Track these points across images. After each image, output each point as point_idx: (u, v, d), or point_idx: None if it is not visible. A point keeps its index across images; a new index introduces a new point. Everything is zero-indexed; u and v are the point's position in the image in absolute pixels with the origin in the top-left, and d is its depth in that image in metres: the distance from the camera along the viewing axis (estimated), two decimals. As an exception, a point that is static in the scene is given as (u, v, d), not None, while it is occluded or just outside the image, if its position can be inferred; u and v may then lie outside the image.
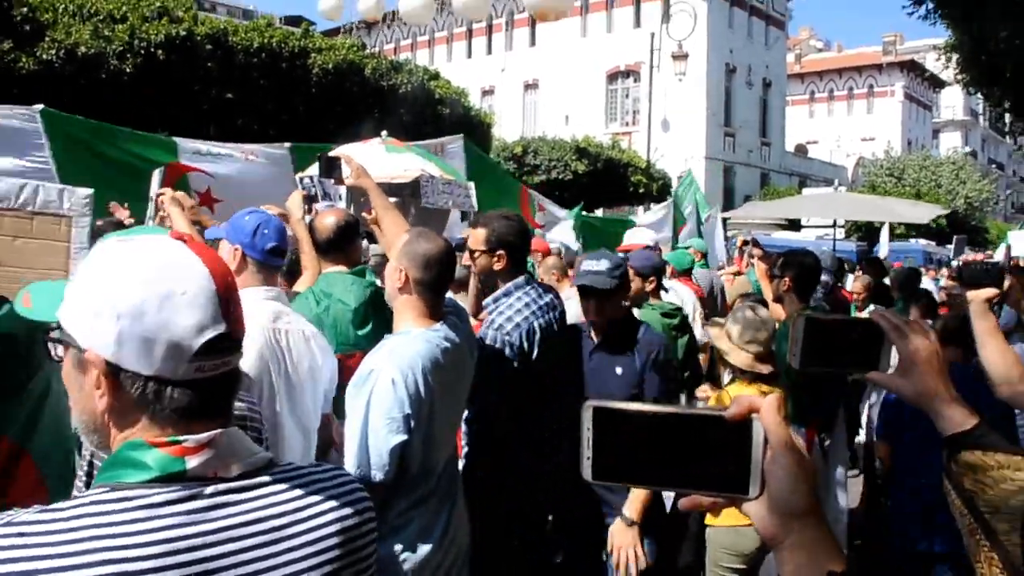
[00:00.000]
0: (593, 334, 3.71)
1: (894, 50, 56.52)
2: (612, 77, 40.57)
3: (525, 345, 3.31)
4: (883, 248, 15.47)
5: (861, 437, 6.78)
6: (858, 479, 6.68)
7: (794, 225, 31.68)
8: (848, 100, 56.91)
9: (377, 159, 8.46)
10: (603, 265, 3.54)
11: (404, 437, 2.57)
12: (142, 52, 11.37)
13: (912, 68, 55.72)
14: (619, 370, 3.55)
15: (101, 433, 1.15)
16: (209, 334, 1.12)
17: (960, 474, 1.32)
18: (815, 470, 0.88)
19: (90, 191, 3.99)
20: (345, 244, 3.80)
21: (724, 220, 31.61)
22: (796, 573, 0.87)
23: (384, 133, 9.68)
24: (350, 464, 2.58)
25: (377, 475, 2.53)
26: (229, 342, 1.15)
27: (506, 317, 3.35)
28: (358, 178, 3.53)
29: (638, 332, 3.67)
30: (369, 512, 1.31)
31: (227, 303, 1.15)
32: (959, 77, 15.34)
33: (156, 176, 6.90)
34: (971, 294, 2.56)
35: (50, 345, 1.18)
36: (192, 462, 1.10)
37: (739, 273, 9.95)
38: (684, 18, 28.71)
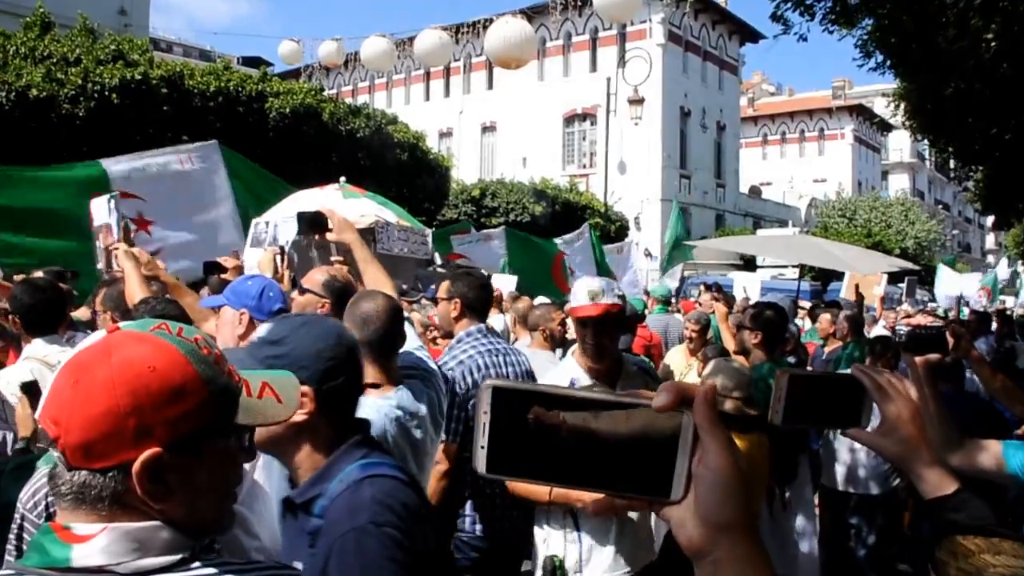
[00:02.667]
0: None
1: (843, 94, 58.04)
2: (569, 120, 41.00)
3: (468, 379, 3.72)
4: (845, 289, 15.56)
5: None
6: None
7: (749, 264, 32.08)
8: (800, 143, 58.18)
9: (334, 205, 8.43)
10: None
11: None
12: (96, 96, 11.23)
13: (861, 112, 57.26)
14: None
15: None
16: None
17: (945, 563, 1.29)
18: (747, 478, 0.77)
19: None
20: (341, 306, 3.74)
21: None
22: None
23: (343, 179, 9.64)
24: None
25: None
26: (54, 440, 1.11)
27: (456, 361, 3.78)
28: (341, 233, 3.43)
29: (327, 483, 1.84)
30: None
31: (54, 401, 1.11)
32: (907, 124, 15.74)
33: (96, 205, 6.64)
34: (918, 359, 2.62)
35: None
36: (78, 551, 1.09)
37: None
38: (639, 63, 29.20)
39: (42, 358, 3.60)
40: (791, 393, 1.36)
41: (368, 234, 8.17)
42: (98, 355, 1.12)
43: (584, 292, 3.42)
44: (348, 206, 8.29)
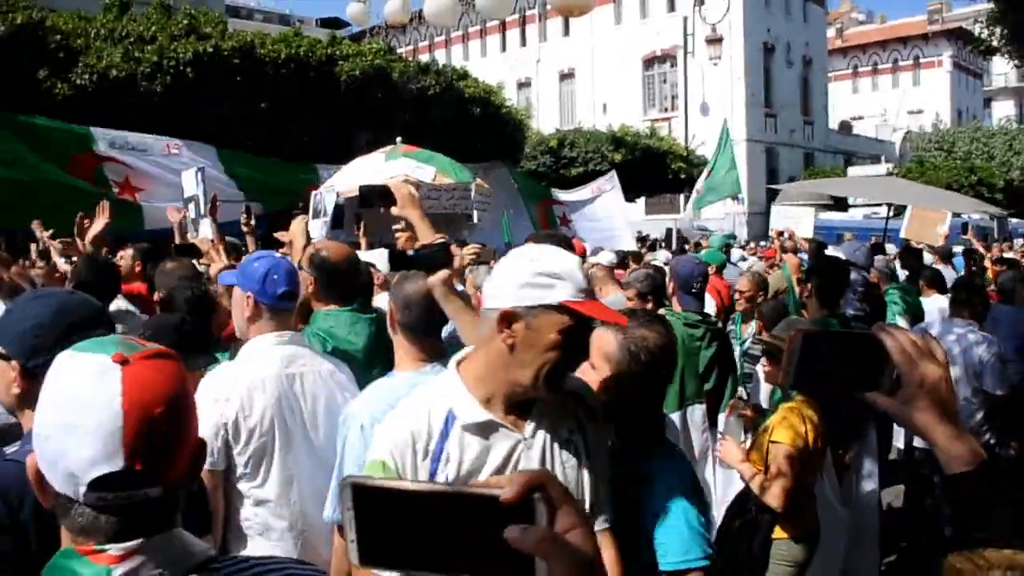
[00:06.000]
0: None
1: (940, 18, 54.95)
2: (648, 63, 40.15)
3: None
4: (905, 228, 14.75)
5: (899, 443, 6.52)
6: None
7: (840, 204, 31.02)
8: (893, 73, 55.50)
9: (371, 169, 8.56)
10: None
11: None
12: (171, 71, 11.50)
13: (960, 36, 54.08)
14: None
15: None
16: (100, 470, 1.12)
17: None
18: (597, 559, 0.79)
19: None
20: (329, 282, 3.65)
21: (769, 200, 31.16)
22: None
23: (399, 139, 9.70)
24: (328, 511, 2.59)
25: None
26: (136, 478, 1.14)
27: None
28: (403, 208, 3.39)
29: None
30: None
31: (137, 440, 1.13)
32: (1006, 49, 14.88)
33: (187, 176, 7.17)
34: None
35: None
36: (118, 571, 1.12)
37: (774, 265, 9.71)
38: None
39: None
40: (805, 353, 1.28)
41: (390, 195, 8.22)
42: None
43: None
44: (384, 168, 8.40)
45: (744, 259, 12.95)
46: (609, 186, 13.07)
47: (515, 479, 0.76)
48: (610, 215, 12.74)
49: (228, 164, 9.42)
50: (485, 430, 1.91)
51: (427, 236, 3.30)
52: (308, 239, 3.88)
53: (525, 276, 1.81)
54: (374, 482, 0.79)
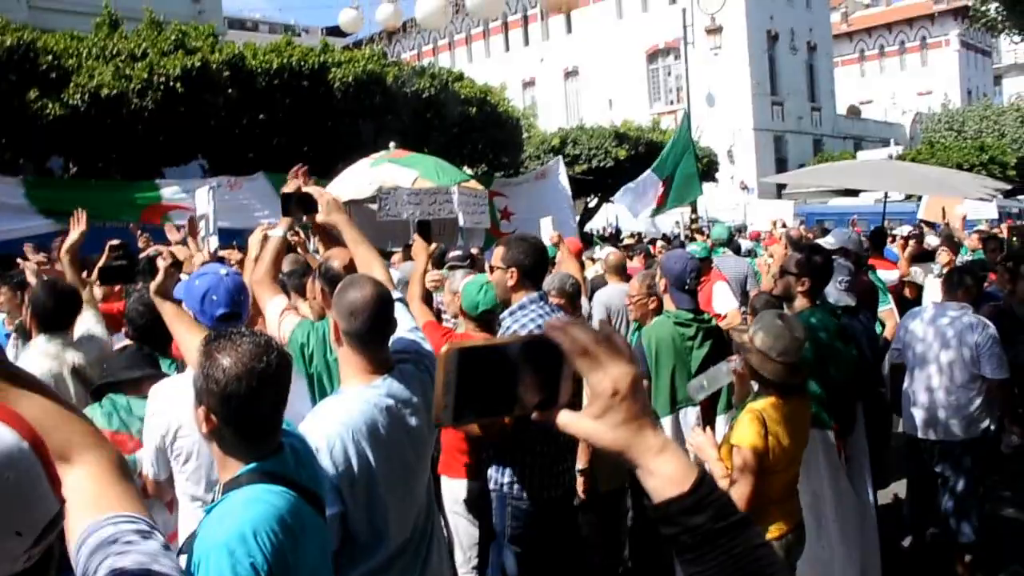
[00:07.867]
0: None
1: (946, -2, 54.38)
2: (652, 56, 39.95)
3: None
4: (923, 210, 14.48)
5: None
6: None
7: (851, 190, 30.66)
8: (900, 55, 54.82)
9: (357, 176, 8.51)
10: None
11: (336, 508, 2.43)
12: (161, 87, 11.45)
13: (967, 14, 53.40)
14: None
15: None
16: (52, 513, 0.97)
17: None
18: None
19: None
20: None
21: (779, 189, 30.84)
22: None
23: (392, 144, 9.64)
24: None
25: None
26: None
27: (520, 325, 3.62)
28: (328, 214, 3.31)
29: None
30: None
31: (50, 467, 0.99)
32: (1004, 24, 14.67)
33: (200, 194, 7.39)
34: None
35: None
36: None
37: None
38: (718, -11, 28.04)
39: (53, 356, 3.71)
40: (464, 376, 0.99)
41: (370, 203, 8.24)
42: None
43: None
44: (370, 175, 8.34)
45: (752, 251, 12.74)
46: (555, 170, 12.72)
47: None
48: (556, 202, 12.26)
49: (31, 189, 9.91)
50: None
51: (355, 241, 3.22)
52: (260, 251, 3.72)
53: None
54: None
